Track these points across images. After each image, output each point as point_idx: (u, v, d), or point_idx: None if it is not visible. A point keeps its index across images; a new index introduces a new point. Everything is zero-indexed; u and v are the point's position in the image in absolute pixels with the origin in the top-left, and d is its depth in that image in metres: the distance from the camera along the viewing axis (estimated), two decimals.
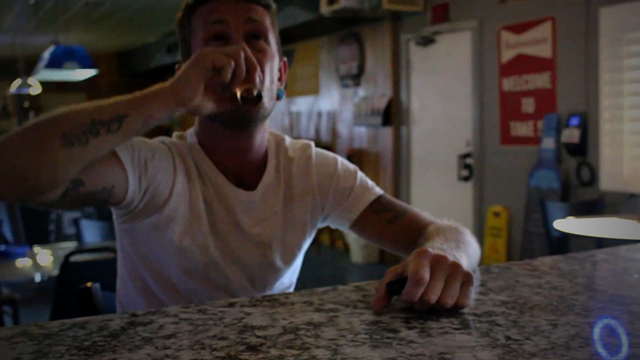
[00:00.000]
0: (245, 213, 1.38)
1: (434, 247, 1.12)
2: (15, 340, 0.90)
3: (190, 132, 1.43)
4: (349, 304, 1.04)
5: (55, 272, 3.78)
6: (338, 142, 8.53)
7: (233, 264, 1.36)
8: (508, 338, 0.86)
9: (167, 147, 1.34)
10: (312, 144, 1.52)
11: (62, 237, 6.90)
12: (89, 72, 8.23)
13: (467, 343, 0.85)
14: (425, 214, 1.45)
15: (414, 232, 1.39)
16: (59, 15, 9.27)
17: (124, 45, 13.60)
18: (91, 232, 4.93)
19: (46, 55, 8.34)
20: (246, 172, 1.40)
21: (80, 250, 3.61)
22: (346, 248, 7.95)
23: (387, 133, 7.59)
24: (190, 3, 1.36)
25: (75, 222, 5.60)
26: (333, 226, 1.51)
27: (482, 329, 0.91)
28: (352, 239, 7.49)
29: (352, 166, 1.52)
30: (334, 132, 8.64)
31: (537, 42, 5.66)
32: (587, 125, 5.20)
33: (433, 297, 0.95)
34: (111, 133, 1.09)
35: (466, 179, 6.58)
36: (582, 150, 5.23)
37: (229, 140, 1.37)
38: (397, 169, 7.49)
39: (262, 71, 1.28)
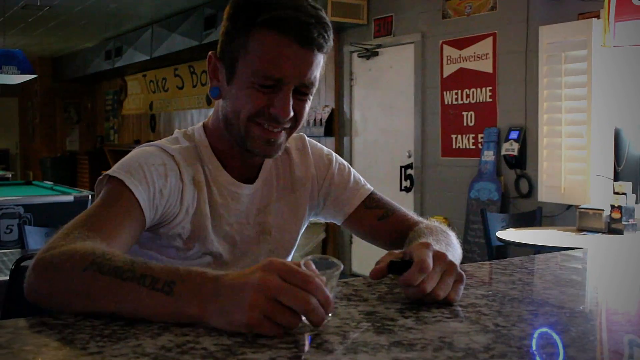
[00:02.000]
0: (250, 203, 1.44)
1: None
2: (36, 330, 0.94)
3: (199, 130, 1.45)
4: (342, 297, 1.12)
5: (3, 278, 3.75)
6: None
7: (240, 259, 1.42)
8: (497, 325, 0.95)
9: (172, 159, 1.36)
10: (305, 135, 1.57)
11: (0, 244, 6.78)
12: (27, 77, 8.11)
13: (461, 329, 0.94)
14: (412, 213, 1.54)
15: (402, 229, 1.47)
16: None
17: (60, 50, 13.40)
18: (34, 238, 4.88)
19: None
20: (249, 166, 1.46)
21: (32, 255, 3.58)
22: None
23: (329, 143, 7.69)
24: (258, 15, 1.28)
25: (19, 228, 5.53)
26: (324, 219, 1.58)
27: (471, 318, 0.99)
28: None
29: (344, 161, 1.59)
30: None
31: (479, 57, 5.84)
32: (526, 139, 5.39)
33: (429, 287, 1.04)
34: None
35: (408, 189, 6.72)
36: (521, 163, 5.42)
37: (244, 155, 1.42)
38: None
39: (299, 119, 1.34)
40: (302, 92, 1.31)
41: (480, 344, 0.87)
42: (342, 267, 0.98)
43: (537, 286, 1.22)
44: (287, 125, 1.33)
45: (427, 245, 1.11)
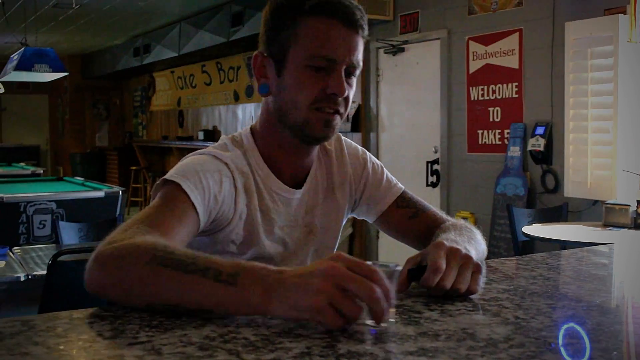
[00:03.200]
0: (299, 207, 1.51)
1: (449, 239, 1.28)
2: (89, 321, 1.02)
3: (247, 135, 1.51)
4: None
5: (39, 272, 3.86)
6: None
7: (288, 260, 1.49)
8: (516, 317, 1.01)
9: (226, 167, 1.42)
10: (342, 135, 1.64)
11: (33, 239, 6.93)
12: (59, 75, 8.25)
13: (483, 321, 1.00)
14: (441, 212, 1.60)
15: (431, 228, 1.53)
16: (27, 16, 9.28)
17: (89, 47, 13.60)
18: (68, 234, 5.00)
19: (15, 56, 8.34)
20: (298, 171, 1.53)
21: (68, 251, 3.68)
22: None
23: (356, 139, 7.75)
24: (304, 7, 1.39)
25: (53, 224, 5.65)
26: (359, 217, 1.65)
27: (492, 311, 1.06)
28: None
29: (378, 160, 1.66)
30: None
31: (505, 53, 5.87)
32: (552, 134, 5.41)
33: (448, 283, 1.11)
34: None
35: (434, 185, 6.77)
36: (547, 158, 5.44)
37: (296, 150, 1.49)
38: None
39: (347, 102, 1.43)
40: (350, 72, 1.41)
41: (501, 334, 0.94)
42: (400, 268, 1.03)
43: (557, 281, 1.28)
44: (341, 108, 1.41)
45: (440, 245, 1.16)
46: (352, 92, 1.43)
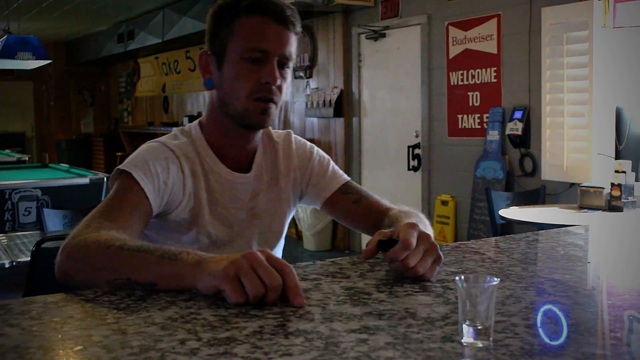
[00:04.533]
0: (243, 191, 1.64)
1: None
2: (61, 304, 1.10)
3: (195, 126, 1.66)
4: (328, 274, 1.27)
5: (24, 259, 3.92)
6: None
7: (234, 240, 1.61)
8: (457, 298, 1.09)
9: (172, 153, 1.56)
10: (292, 132, 1.78)
11: (19, 226, 6.97)
12: (42, 62, 8.27)
13: (426, 301, 1.09)
14: (385, 200, 1.72)
15: (375, 213, 1.66)
16: (10, 2, 9.26)
17: (73, 34, 13.56)
18: (53, 221, 5.06)
19: None
20: (242, 164, 1.66)
21: (52, 237, 3.75)
22: (299, 236, 8.18)
23: (338, 124, 7.83)
24: (239, 6, 1.54)
25: (38, 211, 5.70)
26: (306, 205, 1.79)
27: (437, 292, 1.14)
28: (305, 227, 7.72)
29: (326, 155, 1.79)
30: (286, 123, 8.83)
31: (483, 38, 5.94)
32: (530, 118, 5.50)
33: (412, 262, 1.22)
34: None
35: (415, 169, 6.85)
36: (525, 142, 5.54)
37: (239, 137, 1.63)
38: (348, 159, 7.73)
39: (281, 92, 1.56)
40: (283, 64, 1.55)
41: (439, 313, 1.02)
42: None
43: (504, 263, 1.36)
44: (275, 97, 1.55)
45: (414, 226, 1.27)
46: (287, 83, 1.58)
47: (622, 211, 4.42)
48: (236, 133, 1.62)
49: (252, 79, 1.53)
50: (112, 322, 1.00)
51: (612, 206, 4.48)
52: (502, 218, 4.63)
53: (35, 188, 6.75)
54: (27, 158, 10.79)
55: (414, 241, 1.22)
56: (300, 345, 0.89)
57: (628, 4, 4.73)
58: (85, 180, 6.92)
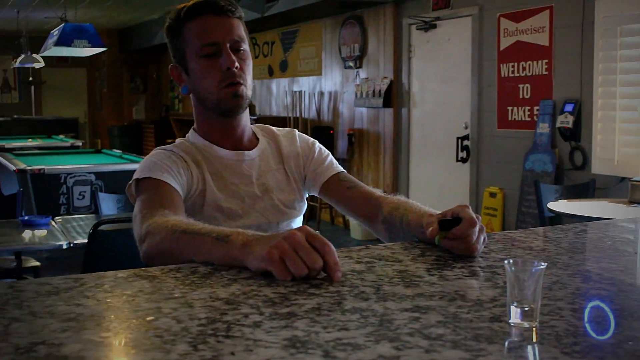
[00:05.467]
0: (249, 168, 1.79)
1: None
2: (130, 280, 1.17)
3: (190, 132, 1.85)
4: (381, 258, 1.33)
5: (80, 240, 4.06)
6: (339, 122, 8.78)
7: (249, 212, 1.74)
8: (506, 282, 1.14)
9: (175, 154, 1.72)
10: (296, 130, 1.95)
11: (73, 209, 7.17)
12: (98, 50, 8.45)
13: (475, 285, 1.14)
14: (377, 189, 1.82)
15: (368, 200, 1.76)
16: None
17: (125, 22, 13.79)
18: (107, 204, 5.21)
19: (55, 32, 8.55)
20: (241, 145, 1.82)
21: (107, 221, 3.88)
22: (345, 225, 8.24)
23: (387, 114, 7.85)
24: (181, 16, 1.73)
25: (92, 195, 5.86)
26: (307, 190, 1.90)
27: (486, 276, 1.19)
28: None
29: (325, 149, 1.94)
30: (335, 112, 8.89)
31: (535, 30, 5.91)
32: (581, 111, 5.47)
33: (474, 239, 1.33)
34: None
35: (464, 160, 6.85)
36: (576, 135, 5.50)
37: (222, 124, 1.79)
38: (396, 150, 7.76)
39: (245, 73, 1.72)
40: (237, 49, 1.71)
41: (488, 296, 1.07)
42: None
43: (551, 251, 1.40)
44: (242, 80, 1.71)
45: (468, 206, 1.38)
46: (247, 62, 1.73)
47: None
48: (222, 122, 1.78)
49: (214, 70, 1.70)
50: (179, 296, 1.07)
51: None
52: (551, 211, 4.63)
53: (89, 173, 6.93)
54: (80, 143, 11.04)
55: (476, 219, 1.34)
56: (356, 321, 0.94)
57: None
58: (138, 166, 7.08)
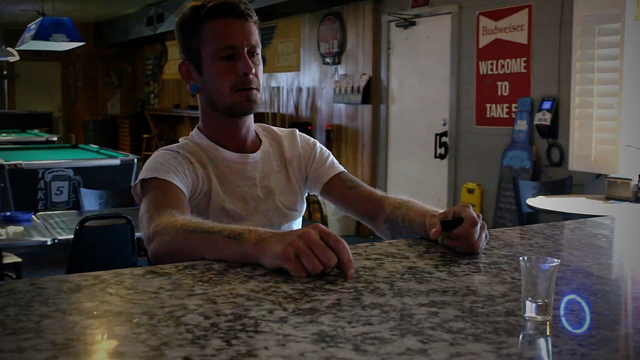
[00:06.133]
0: (253, 170, 1.81)
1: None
2: (148, 277, 1.20)
3: (194, 130, 1.87)
4: (388, 254, 1.37)
5: (65, 236, 4.05)
6: (317, 117, 8.82)
7: (253, 214, 1.77)
8: (513, 278, 1.19)
9: (181, 155, 1.74)
10: (296, 129, 1.98)
11: (51, 205, 7.12)
12: (76, 44, 8.40)
13: (484, 281, 1.18)
14: (377, 189, 1.86)
15: (369, 199, 1.81)
16: None
17: (102, 16, 13.70)
18: (89, 200, 5.20)
19: (33, 26, 8.49)
20: (245, 147, 1.83)
21: (94, 217, 3.88)
22: (324, 221, 8.28)
23: (366, 110, 7.91)
24: (200, 16, 1.72)
25: (69, 190, 5.84)
26: (308, 190, 1.93)
27: (493, 272, 1.24)
28: (330, 212, 7.82)
29: (326, 149, 1.97)
30: (313, 108, 8.93)
31: (514, 28, 5.99)
32: (559, 109, 5.56)
33: (475, 238, 1.37)
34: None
35: (442, 156, 6.92)
36: (553, 132, 5.59)
37: (230, 124, 1.81)
38: (375, 146, 7.81)
39: (258, 78, 1.75)
40: (252, 53, 1.74)
41: (499, 291, 1.12)
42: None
43: (550, 248, 1.45)
44: (255, 85, 1.74)
45: (468, 206, 1.43)
46: (260, 67, 1.77)
47: None
48: (229, 122, 1.80)
49: (230, 74, 1.71)
50: (201, 293, 1.10)
51: (639, 198, 4.54)
52: (530, 207, 4.71)
53: (67, 168, 6.88)
54: (55, 138, 10.95)
55: (477, 219, 1.38)
56: (377, 316, 0.98)
57: None
58: (116, 162, 7.05)
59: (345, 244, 1.22)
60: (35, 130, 12.18)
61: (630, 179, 4.61)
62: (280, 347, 0.86)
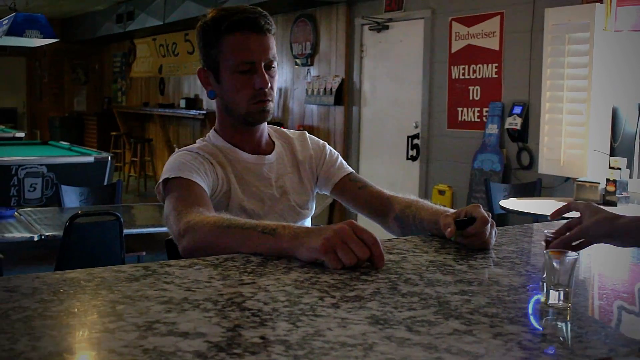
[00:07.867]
0: (269, 171, 1.92)
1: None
2: (195, 267, 1.30)
3: (211, 132, 1.96)
4: (408, 249, 1.49)
5: (51, 233, 4.10)
6: (289, 118, 8.92)
7: (269, 213, 1.86)
8: (527, 270, 1.32)
9: (201, 156, 1.82)
10: (306, 132, 2.09)
11: (24, 201, 7.11)
12: (49, 41, 8.36)
13: (503, 273, 1.31)
14: (385, 189, 1.97)
15: (378, 199, 1.93)
16: None
17: (69, 12, 13.62)
18: (69, 197, 5.24)
19: (5, 21, 8.43)
20: (260, 150, 1.94)
21: (84, 214, 3.94)
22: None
23: (338, 112, 8.03)
24: (221, 29, 1.80)
25: (56, 187, 5.85)
26: (319, 190, 2.05)
27: (508, 266, 1.37)
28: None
29: (334, 150, 2.09)
30: (285, 109, 9.03)
31: (486, 35, 6.17)
32: (529, 114, 5.74)
33: (487, 234, 1.50)
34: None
35: (414, 158, 7.08)
36: (523, 136, 5.78)
37: (245, 129, 1.92)
38: (347, 147, 7.94)
39: (273, 90, 1.85)
40: (269, 66, 1.83)
41: (518, 282, 1.25)
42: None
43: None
44: (270, 97, 1.84)
45: (479, 206, 1.56)
46: (276, 79, 1.87)
47: (616, 206, 4.67)
48: (244, 128, 1.90)
49: (247, 87, 1.81)
50: (250, 282, 1.21)
51: (607, 201, 4.73)
52: (503, 208, 4.87)
53: (41, 165, 6.89)
54: (23, 134, 10.89)
55: (488, 218, 1.52)
56: (418, 303, 1.10)
57: (629, 8, 4.97)
58: (90, 159, 7.08)
59: (378, 239, 1.33)
60: (1, 126, 12.07)
61: (599, 183, 4.80)
62: (341, 328, 0.98)
